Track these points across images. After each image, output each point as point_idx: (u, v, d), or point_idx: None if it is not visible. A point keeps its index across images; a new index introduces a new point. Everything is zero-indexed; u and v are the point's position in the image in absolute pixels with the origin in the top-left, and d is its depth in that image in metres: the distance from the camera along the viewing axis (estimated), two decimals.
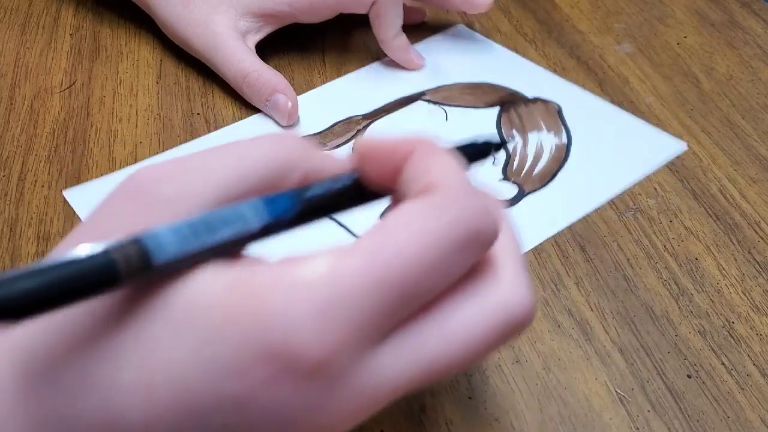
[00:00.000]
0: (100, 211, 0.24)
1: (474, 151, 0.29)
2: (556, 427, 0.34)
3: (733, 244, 0.42)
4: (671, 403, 0.35)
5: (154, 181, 0.23)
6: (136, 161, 0.47)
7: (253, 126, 0.50)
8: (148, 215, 0.23)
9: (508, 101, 0.52)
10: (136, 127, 0.50)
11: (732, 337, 0.38)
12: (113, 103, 0.51)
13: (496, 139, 0.31)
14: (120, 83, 0.53)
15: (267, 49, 0.53)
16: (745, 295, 0.40)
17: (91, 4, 0.60)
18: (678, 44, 0.57)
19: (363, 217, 0.28)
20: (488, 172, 0.47)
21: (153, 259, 0.21)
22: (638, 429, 0.34)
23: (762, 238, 0.43)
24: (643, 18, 0.60)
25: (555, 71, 0.54)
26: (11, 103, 0.51)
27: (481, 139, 0.29)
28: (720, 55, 0.56)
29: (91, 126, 0.50)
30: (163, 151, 0.48)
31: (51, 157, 0.47)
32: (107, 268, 0.20)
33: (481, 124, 0.50)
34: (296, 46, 0.56)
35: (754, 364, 0.37)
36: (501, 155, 0.47)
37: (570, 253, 0.42)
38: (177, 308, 0.22)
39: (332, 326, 0.21)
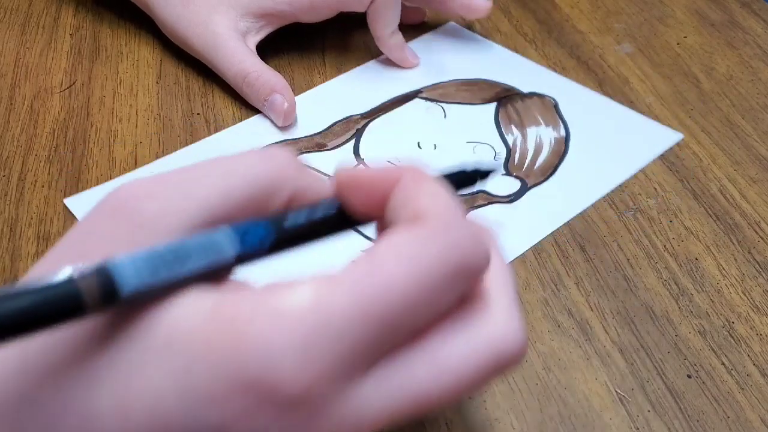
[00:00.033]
0: (79, 229, 0.23)
1: (462, 179, 0.28)
2: (556, 427, 0.34)
3: (733, 244, 0.42)
4: (671, 403, 0.35)
5: (135, 199, 0.23)
6: (136, 161, 0.47)
7: (253, 127, 0.50)
8: (128, 235, 0.22)
9: (504, 97, 0.52)
10: (136, 127, 0.50)
11: (732, 337, 0.38)
12: (113, 103, 0.51)
13: (485, 166, 0.30)
14: (120, 83, 0.53)
15: (267, 49, 0.53)
16: (745, 295, 0.40)
17: (91, 4, 0.60)
18: (678, 44, 0.57)
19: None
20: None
21: (120, 290, 0.20)
22: (638, 429, 0.34)
23: (762, 238, 0.43)
24: (643, 18, 0.60)
25: (555, 71, 0.54)
26: (11, 103, 0.51)
27: (469, 167, 0.29)
28: (720, 55, 0.56)
29: (91, 126, 0.50)
30: (162, 151, 0.48)
31: (51, 157, 0.47)
32: (71, 298, 0.19)
33: (480, 120, 0.50)
34: (296, 46, 0.56)
35: (754, 364, 0.37)
36: (502, 151, 0.48)
37: (570, 253, 0.42)
38: (157, 334, 0.21)
39: (314, 358, 0.20)
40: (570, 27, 0.59)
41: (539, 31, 0.58)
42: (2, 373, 0.22)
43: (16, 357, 0.22)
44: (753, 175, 0.47)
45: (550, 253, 0.42)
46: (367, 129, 0.49)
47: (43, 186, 0.45)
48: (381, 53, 0.55)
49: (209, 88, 0.53)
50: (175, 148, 0.48)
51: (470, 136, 0.49)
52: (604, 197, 0.45)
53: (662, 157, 0.48)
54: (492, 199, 0.45)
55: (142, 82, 0.53)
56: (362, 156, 0.47)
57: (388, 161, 0.47)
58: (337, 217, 0.25)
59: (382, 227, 0.26)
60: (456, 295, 0.23)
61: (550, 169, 0.47)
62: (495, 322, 0.24)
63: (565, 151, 0.48)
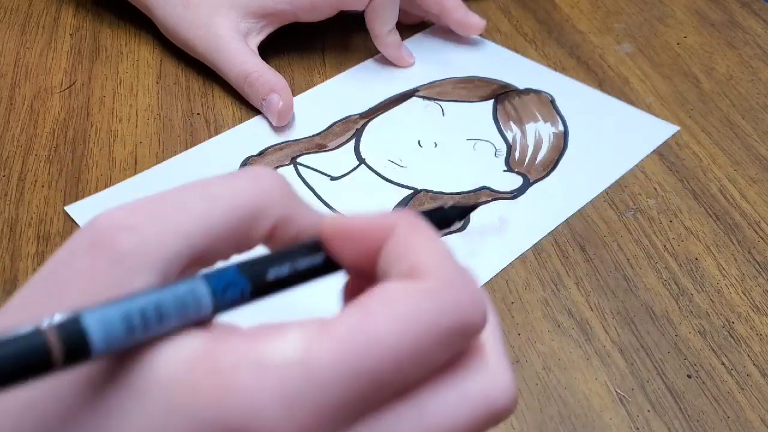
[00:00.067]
0: (56, 262, 0.22)
1: (442, 218, 0.27)
2: (556, 427, 0.34)
3: (733, 244, 0.42)
4: (671, 403, 0.35)
5: (113, 232, 0.22)
6: (136, 161, 0.47)
7: (253, 129, 0.50)
8: (106, 272, 0.21)
9: (500, 94, 0.52)
10: (136, 127, 0.49)
11: (732, 337, 0.38)
12: (113, 103, 0.51)
13: (465, 203, 0.29)
14: (120, 83, 0.53)
15: (267, 50, 0.53)
16: (745, 295, 0.40)
17: (91, 4, 0.60)
18: (678, 44, 0.57)
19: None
20: (491, 164, 0.47)
21: (92, 348, 0.19)
22: (638, 429, 0.34)
23: (762, 238, 0.43)
24: (643, 18, 0.60)
25: (555, 71, 0.54)
26: (11, 103, 0.51)
27: (448, 205, 0.28)
28: (720, 55, 0.56)
29: (91, 126, 0.50)
30: (162, 151, 0.48)
31: (51, 157, 0.47)
32: (38, 354, 0.18)
33: (478, 117, 0.50)
34: (296, 46, 0.56)
35: (754, 364, 0.37)
36: (502, 147, 0.48)
37: (570, 253, 0.42)
38: (140, 380, 0.21)
39: (299, 411, 0.20)
40: (570, 27, 0.59)
41: (539, 31, 0.58)
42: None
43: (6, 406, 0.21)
44: (753, 175, 0.47)
45: (550, 253, 0.42)
46: (366, 129, 0.50)
47: (43, 186, 0.45)
48: (378, 53, 0.55)
49: (209, 88, 0.53)
50: (175, 148, 0.48)
51: (470, 133, 0.49)
52: (604, 197, 0.45)
53: (662, 157, 0.48)
54: (495, 195, 0.45)
55: (142, 82, 0.53)
56: (363, 156, 0.47)
57: (390, 161, 0.47)
58: (322, 267, 0.24)
59: (373, 278, 0.24)
60: (451, 354, 0.22)
61: (550, 164, 0.47)
62: (485, 374, 0.23)
63: (565, 146, 0.48)
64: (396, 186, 0.46)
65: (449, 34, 0.57)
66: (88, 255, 0.22)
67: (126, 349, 0.20)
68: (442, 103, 0.52)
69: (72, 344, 0.19)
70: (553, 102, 0.52)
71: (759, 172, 0.47)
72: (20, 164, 0.47)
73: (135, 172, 0.46)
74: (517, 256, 0.41)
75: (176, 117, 0.50)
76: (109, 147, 0.48)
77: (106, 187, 0.45)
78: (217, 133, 0.49)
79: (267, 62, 0.51)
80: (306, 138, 0.49)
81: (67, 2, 0.61)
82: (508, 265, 0.41)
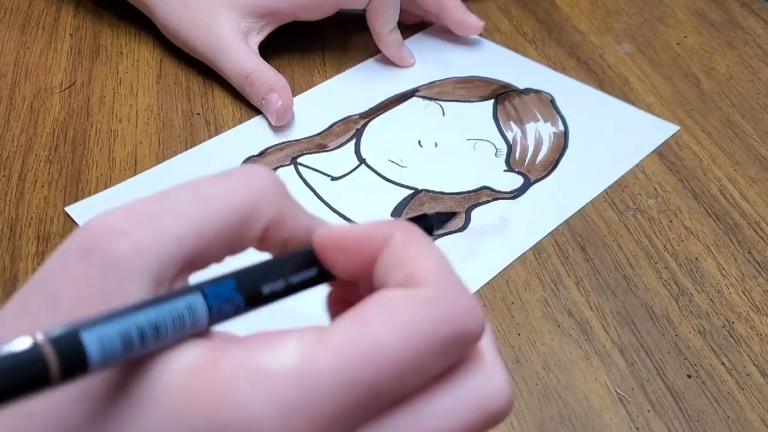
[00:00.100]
0: (49, 269, 0.22)
1: (426, 226, 0.27)
2: (556, 427, 0.34)
3: (733, 244, 0.42)
4: (671, 403, 0.35)
5: (106, 237, 0.21)
6: (136, 161, 0.47)
7: (253, 129, 0.50)
8: (100, 278, 0.21)
9: (501, 93, 0.52)
10: (136, 127, 0.50)
11: (732, 337, 0.38)
12: (113, 103, 0.51)
13: (447, 211, 0.29)
14: (120, 83, 0.53)
15: (267, 50, 0.53)
16: (745, 295, 0.40)
17: (91, 5, 0.60)
18: (678, 44, 0.57)
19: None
20: (492, 164, 0.47)
21: (90, 365, 0.19)
22: (638, 429, 0.34)
23: (762, 238, 0.43)
24: (643, 18, 0.60)
25: (555, 71, 0.54)
26: (11, 103, 0.51)
27: (431, 212, 0.28)
28: (720, 55, 0.56)
29: (91, 126, 0.50)
30: (163, 151, 0.48)
31: (51, 157, 0.47)
32: (36, 371, 0.18)
33: (479, 117, 0.50)
34: (296, 46, 0.56)
35: (754, 364, 0.37)
36: (503, 147, 0.48)
37: (570, 253, 0.42)
38: (138, 392, 0.21)
39: (296, 422, 0.20)
40: (570, 27, 0.59)
41: (539, 31, 0.58)
42: None
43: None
44: (753, 175, 0.47)
45: (550, 253, 0.42)
46: (366, 129, 0.50)
47: (43, 186, 0.45)
48: (378, 53, 0.55)
49: (209, 88, 0.53)
50: (175, 148, 0.48)
51: (470, 133, 0.49)
52: (604, 197, 0.45)
53: (662, 157, 0.48)
54: (496, 195, 0.45)
55: (142, 82, 0.53)
56: (364, 156, 0.47)
57: (391, 161, 0.47)
58: (316, 278, 0.24)
59: (368, 288, 0.24)
60: (448, 363, 0.22)
61: (551, 164, 0.47)
62: (483, 375, 0.23)
63: (565, 146, 0.48)
64: (396, 186, 0.46)
65: (449, 34, 0.57)
66: (81, 261, 0.21)
67: (123, 363, 0.20)
68: (443, 103, 0.52)
69: (70, 360, 0.19)
70: (553, 102, 0.52)
71: (759, 172, 0.47)
72: (20, 164, 0.47)
73: (135, 172, 0.46)
74: (518, 256, 0.41)
75: (176, 117, 0.50)
76: (109, 147, 0.48)
77: (106, 187, 0.45)
78: (217, 133, 0.49)
79: (267, 62, 0.51)
80: (306, 138, 0.49)
81: (67, 2, 0.61)
82: (508, 265, 0.41)
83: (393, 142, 0.49)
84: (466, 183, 0.46)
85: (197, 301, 0.21)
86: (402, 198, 0.45)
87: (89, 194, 0.45)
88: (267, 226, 0.24)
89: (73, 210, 0.44)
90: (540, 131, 0.49)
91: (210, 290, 0.22)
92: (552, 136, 0.49)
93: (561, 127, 0.50)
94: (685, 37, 0.58)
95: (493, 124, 0.50)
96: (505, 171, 0.47)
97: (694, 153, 0.48)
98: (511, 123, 0.50)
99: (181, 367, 0.21)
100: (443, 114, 0.51)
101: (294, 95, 0.51)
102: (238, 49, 0.50)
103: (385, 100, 0.52)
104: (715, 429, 0.34)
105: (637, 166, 0.47)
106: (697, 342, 0.38)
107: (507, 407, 0.23)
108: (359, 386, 0.20)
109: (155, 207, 0.22)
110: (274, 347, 0.21)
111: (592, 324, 0.38)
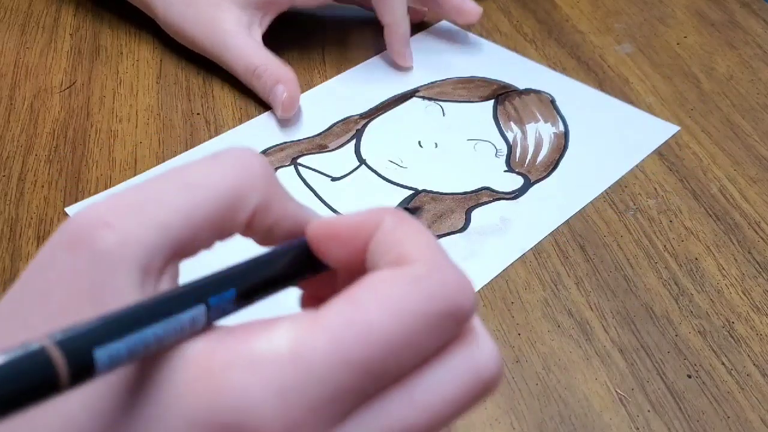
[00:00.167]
0: (39, 265, 0.22)
1: None
2: (556, 427, 0.34)
3: (733, 244, 0.42)
4: (671, 403, 0.35)
5: (92, 229, 0.21)
6: (136, 161, 0.47)
7: (254, 129, 0.50)
8: (88, 271, 0.21)
9: (501, 94, 0.52)
10: (136, 127, 0.50)
11: (732, 337, 0.38)
12: (113, 103, 0.51)
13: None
14: (120, 83, 0.53)
15: (268, 49, 0.53)
16: (745, 295, 0.40)
17: (91, 4, 0.60)
18: (678, 44, 0.57)
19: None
20: (492, 164, 0.47)
21: (96, 369, 0.19)
22: (638, 429, 0.34)
23: (762, 238, 0.43)
24: (643, 18, 0.60)
25: (555, 71, 0.54)
26: (11, 103, 0.51)
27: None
28: (720, 55, 0.56)
29: (91, 126, 0.50)
30: (162, 151, 0.48)
31: (51, 157, 0.47)
32: (45, 376, 0.18)
33: (479, 117, 0.50)
34: (296, 45, 0.56)
35: (754, 364, 0.37)
36: (503, 147, 0.48)
37: (570, 253, 0.42)
38: (139, 386, 0.21)
39: (293, 405, 0.20)
40: (570, 27, 0.59)
41: (539, 31, 0.58)
42: None
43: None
44: (753, 175, 0.47)
45: (550, 253, 0.42)
46: (366, 129, 0.50)
47: (43, 186, 0.45)
48: (378, 53, 0.55)
49: (209, 88, 0.53)
50: (175, 148, 0.48)
51: (470, 133, 0.49)
52: (604, 197, 0.45)
53: (662, 157, 0.48)
54: (496, 195, 0.45)
55: (142, 82, 0.53)
56: (364, 157, 0.47)
57: (391, 161, 0.47)
58: (310, 270, 0.25)
59: (361, 274, 0.24)
60: (442, 341, 0.22)
61: (551, 165, 0.47)
62: (471, 344, 0.23)
63: (565, 146, 0.48)
64: (396, 186, 0.46)
65: (449, 34, 0.57)
66: (70, 256, 0.21)
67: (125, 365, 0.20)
68: (443, 104, 0.52)
69: (78, 365, 0.18)
70: (553, 102, 0.52)
71: (759, 172, 0.47)
72: (20, 164, 0.47)
73: (135, 172, 0.46)
74: (518, 256, 0.41)
75: (176, 117, 0.50)
76: (109, 147, 0.48)
77: (106, 187, 0.45)
78: (217, 133, 0.49)
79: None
80: (306, 138, 0.49)
81: (67, 2, 0.61)
82: (508, 266, 0.41)
83: (393, 143, 0.49)
84: (467, 183, 0.46)
85: (200, 312, 0.22)
86: (402, 198, 0.45)
87: (89, 194, 0.45)
88: (256, 210, 0.24)
89: (73, 210, 0.44)
90: (540, 131, 0.49)
91: (213, 300, 0.22)
92: (552, 137, 0.49)
93: (561, 128, 0.50)
94: (685, 37, 0.58)
95: (494, 124, 0.50)
96: (505, 171, 0.47)
97: (694, 153, 0.48)
98: (512, 123, 0.50)
99: (181, 363, 0.21)
100: (443, 114, 0.51)
101: None
102: (243, 43, 0.51)
103: (385, 101, 0.52)
104: (715, 429, 0.34)
105: (637, 166, 0.47)
106: (697, 342, 0.38)
107: (498, 374, 0.23)
108: (354, 366, 0.20)
109: (141, 196, 0.22)
110: (267, 333, 0.21)
111: (592, 324, 0.38)
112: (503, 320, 0.38)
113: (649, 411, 0.35)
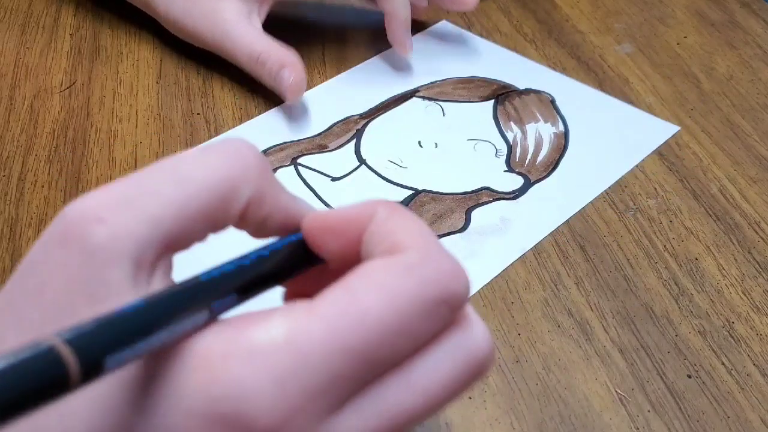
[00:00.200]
0: (33, 260, 0.22)
1: None
2: (556, 427, 0.34)
3: (733, 244, 0.42)
4: (671, 403, 0.35)
5: (84, 223, 0.21)
6: (136, 161, 0.47)
7: (254, 129, 0.50)
8: (81, 266, 0.21)
9: (501, 94, 0.52)
10: (136, 127, 0.50)
11: (732, 337, 0.38)
12: (113, 103, 0.51)
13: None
14: (120, 83, 0.53)
15: (269, 35, 0.53)
16: (745, 295, 0.40)
17: (91, 4, 0.60)
18: (678, 44, 0.57)
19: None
20: (492, 164, 0.47)
21: (105, 367, 0.19)
22: (638, 429, 0.34)
23: (762, 238, 0.43)
24: (643, 18, 0.60)
25: (555, 71, 0.54)
26: (11, 103, 0.51)
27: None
28: (720, 55, 0.56)
29: (91, 126, 0.50)
30: (163, 151, 0.48)
31: (51, 157, 0.47)
32: (56, 377, 0.18)
33: (479, 117, 0.50)
34: (296, 46, 0.56)
35: (754, 364, 0.37)
36: (503, 148, 0.48)
37: (570, 253, 0.42)
38: (146, 376, 0.21)
39: (290, 393, 0.20)
40: (570, 27, 0.59)
41: (539, 31, 0.58)
42: None
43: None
44: (753, 175, 0.47)
45: (550, 253, 0.42)
46: (366, 129, 0.50)
47: (43, 186, 0.45)
48: (378, 53, 0.55)
49: (209, 88, 0.53)
50: (175, 148, 0.48)
51: (470, 133, 0.49)
52: (604, 197, 0.45)
53: (662, 157, 0.48)
54: (496, 195, 0.45)
55: (142, 82, 0.53)
56: (364, 157, 0.47)
57: (391, 161, 0.47)
58: (306, 263, 0.25)
59: (354, 266, 0.24)
60: (437, 327, 0.22)
61: (551, 165, 0.47)
62: (467, 329, 0.23)
63: (565, 147, 0.48)
64: (397, 186, 0.46)
65: (449, 35, 0.57)
66: (62, 251, 0.21)
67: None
68: (443, 104, 0.52)
69: (88, 364, 0.18)
70: (553, 102, 0.52)
71: (759, 172, 0.47)
72: (20, 164, 0.47)
73: None
74: (518, 256, 0.41)
75: (176, 117, 0.50)
76: (109, 147, 0.48)
77: None
78: (217, 133, 0.49)
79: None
80: (306, 138, 0.49)
81: (67, 2, 0.61)
82: (508, 266, 0.41)
83: (393, 143, 0.49)
84: (467, 183, 0.46)
85: (204, 316, 0.22)
86: (402, 198, 0.45)
87: None
88: (249, 202, 0.24)
89: None
90: (540, 131, 0.49)
91: (215, 305, 0.22)
92: (552, 137, 0.49)
93: (561, 128, 0.50)
94: (685, 37, 0.58)
95: (494, 124, 0.50)
96: (505, 171, 0.47)
97: (694, 153, 0.48)
98: (512, 123, 0.50)
99: (179, 355, 0.21)
100: (443, 114, 0.51)
101: None
102: (245, 31, 0.50)
103: (385, 101, 0.52)
104: (715, 429, 0.34)
105: (637, 166, 0.47)
106: (697, 342, 0.38)
107: (491, 355, 0.23)
108: (350, 353, 0.20)
109: (133, 190, 0.22)
110: (264, 324, 0.21)
111: (592, 324, 0.38)
112: (503, 320, 0.38)
113: (649, 411, 0.35)
